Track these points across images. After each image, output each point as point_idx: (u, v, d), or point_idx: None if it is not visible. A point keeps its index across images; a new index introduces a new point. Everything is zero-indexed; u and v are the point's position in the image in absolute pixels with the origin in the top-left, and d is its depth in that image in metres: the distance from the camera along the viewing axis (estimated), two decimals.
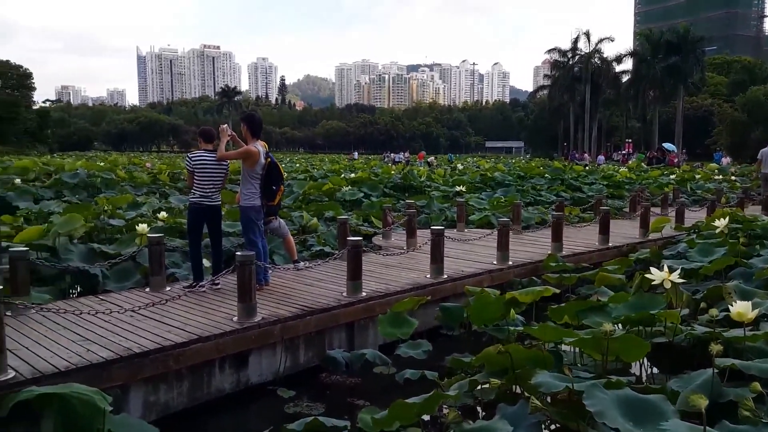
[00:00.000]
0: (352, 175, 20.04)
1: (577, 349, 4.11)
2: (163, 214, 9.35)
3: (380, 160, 50.35)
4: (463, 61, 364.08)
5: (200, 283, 6.08)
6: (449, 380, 3.92)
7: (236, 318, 4.95)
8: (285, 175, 7.07)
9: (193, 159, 6.13)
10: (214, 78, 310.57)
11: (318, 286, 6.20)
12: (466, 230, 10.31)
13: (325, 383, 5.01)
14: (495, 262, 7.34)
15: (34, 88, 75.98)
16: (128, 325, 4.81)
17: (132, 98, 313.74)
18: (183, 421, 4.38)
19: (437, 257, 6.58)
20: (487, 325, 5.10)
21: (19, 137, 64.74)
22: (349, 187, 15.99)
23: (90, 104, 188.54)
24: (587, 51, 63.24)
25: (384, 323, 5.17)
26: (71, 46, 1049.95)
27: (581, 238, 9.22)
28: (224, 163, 6.21)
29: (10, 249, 5.72)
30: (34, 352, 4.20)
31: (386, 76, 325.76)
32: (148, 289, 6.20)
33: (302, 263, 7.10)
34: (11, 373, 3.73)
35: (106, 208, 10.24)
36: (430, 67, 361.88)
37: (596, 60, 63.17)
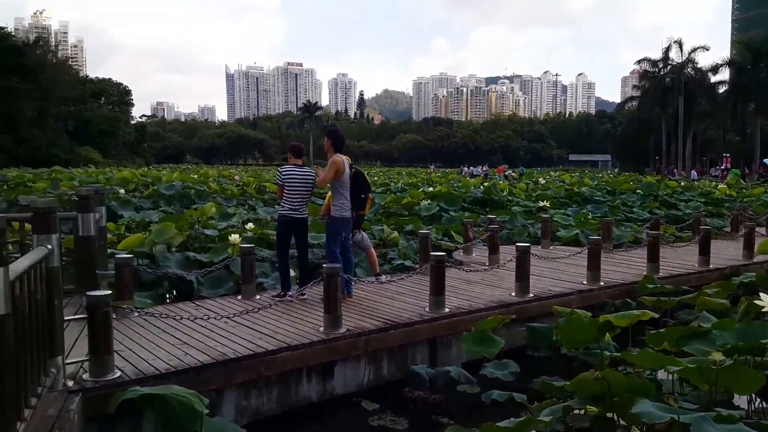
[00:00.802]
0: (431, 189, 19.98)
1: (675, 378, 3.85)
2: (250, 225, 9.72)
3: (457, 174, 49.98)
4: (545, 72, 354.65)
5: (288, 293, 6.27)
6: (539, 404, 3.78)
7: (322, 328, 5.05)
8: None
9: (283, 173, 6.36)
10: (296, 94, 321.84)
11: (400, 300, 6.22)
12: (551, 247, 10.00)
13: (408, 398, 4.98)
14: (585, 282, 7.05)
15: (132, 105, 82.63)
16: (223, 330, 5.03)
17: (221, 114, 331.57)
18: (272, 426, 4.50)
19: (523, 275, 6.42)
20: (578, 348, 4.90)
21: (119, 150, 70.33)
22: (428, 201, 15.93)
23: (182, 119, 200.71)
24: (680, 61, 59.98)
25: (469, 341, 5.08)
26: (166, 64, 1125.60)
27: (679, 259, 8.69)
28: (311, 177, 6.38)
29: (116, 256, 6.15)
30: (137, 353, 4.47)
31: (464, 89, 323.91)
32: (239, 297, 6.47)
33: (384, 277, 7.15)
34: (117, 373, 3.98)
35: (198, 218, 10.79)
36: (510, 78, 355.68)
37: (689, 70, 59.75)
